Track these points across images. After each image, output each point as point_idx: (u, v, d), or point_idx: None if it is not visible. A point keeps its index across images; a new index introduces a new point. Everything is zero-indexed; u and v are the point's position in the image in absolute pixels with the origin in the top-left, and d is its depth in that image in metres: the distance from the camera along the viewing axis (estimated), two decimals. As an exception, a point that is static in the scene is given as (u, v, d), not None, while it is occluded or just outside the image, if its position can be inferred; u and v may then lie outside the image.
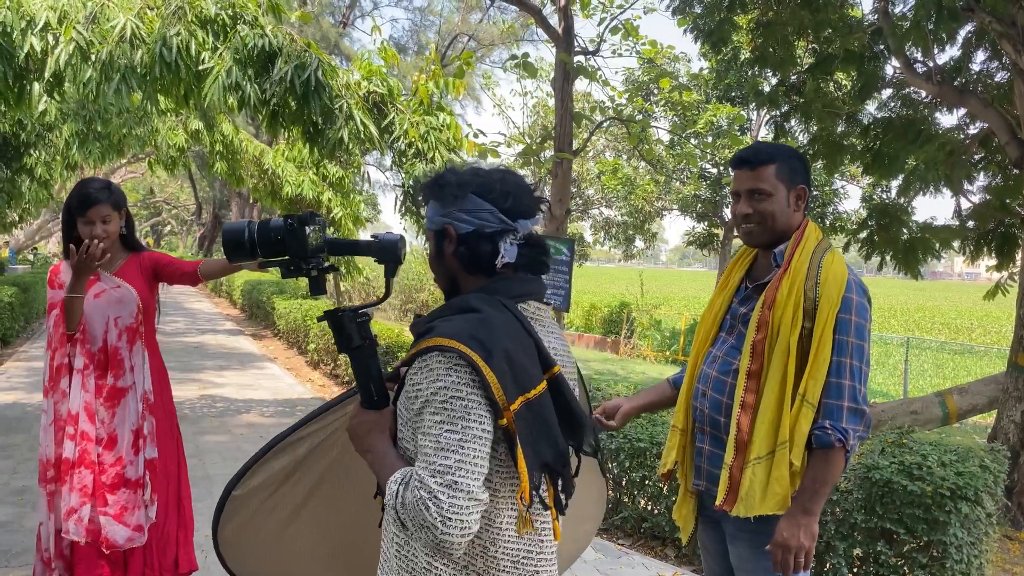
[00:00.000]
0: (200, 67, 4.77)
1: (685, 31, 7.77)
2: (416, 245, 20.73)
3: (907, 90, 7.54)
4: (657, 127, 16.75)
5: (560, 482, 1.53)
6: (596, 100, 18.80)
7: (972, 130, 7.43)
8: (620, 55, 12.91)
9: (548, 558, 1.58)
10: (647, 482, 4.61)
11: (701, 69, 17.23)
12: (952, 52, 7.29)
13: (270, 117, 5.35)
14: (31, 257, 30.92)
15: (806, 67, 8.06)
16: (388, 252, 1.67)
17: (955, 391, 6.59)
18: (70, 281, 2.96)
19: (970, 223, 7.38)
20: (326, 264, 1.68)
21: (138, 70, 4.69)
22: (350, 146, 5.39)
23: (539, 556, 1.55)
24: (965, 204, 7.53)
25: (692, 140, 17.08)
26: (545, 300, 1.68)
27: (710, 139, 16.95)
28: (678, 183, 19.46)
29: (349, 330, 1.60)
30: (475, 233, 1.55)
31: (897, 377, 15.62)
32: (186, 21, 4.73)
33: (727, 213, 17.32)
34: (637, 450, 4.61)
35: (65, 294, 2.99)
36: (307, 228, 1.62)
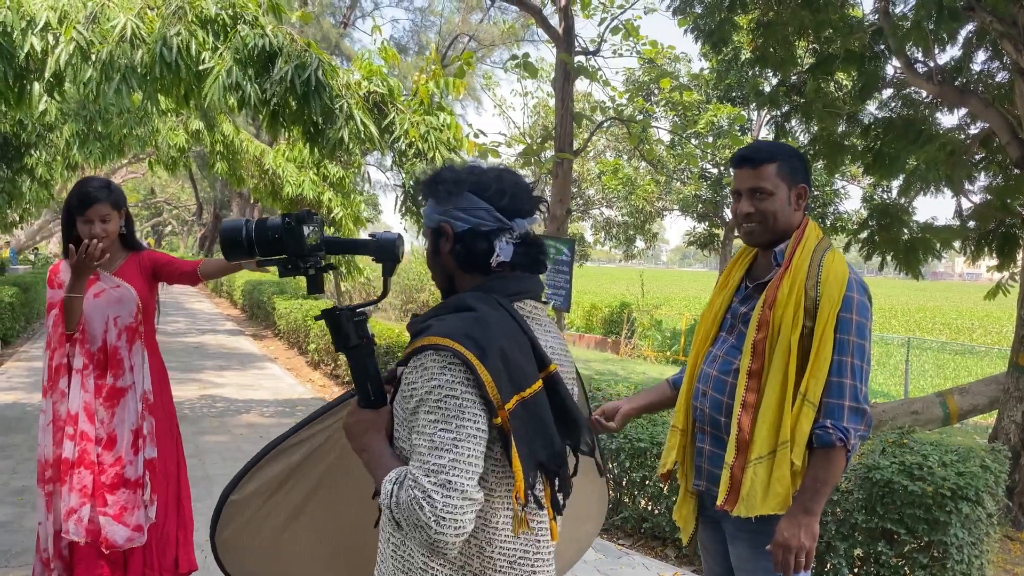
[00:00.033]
0: (200, 67, 4.76)
1: (686, 31, 7.76)
2: (416, 245, 20.75)
3: (908, 90, 7.54)
4: (658, 127, 16.76)
5: (557, 482, 1.53)
6: (597, 100, 18.81)
7: (973, 130, 7.42)
8: (621, 55, 12.93)
9: (545, 558, 1.57)
10: (647, 482, 4.61)
11: (702, 69, 17.22)
12: (953, 52, 7.29)
13: (270, 117, 5.35)
14: (32, 257, 30.93)
15: (807, 67, 8.06)
16: (386, 251, 1.66)
17: (956, 391, 6.58)
18: (69, 281, 2.96)
19: (971, 223, 7.38)
20: (324, 263, 1.68)
21: (138, 70, 4.68)
22: (350, 146, 5.39)
23: (536, 556, 1.55)
24: (966, 204, 7.53)
25: (693, 140, 17.07)
26: (543, 299, 1.67)
27: (711, 139, 16.93)
28: (679, 183, 19.45)
29: (346, 329, 1.59)
30: (471, 231, 1.55)
31: (898, 377, 15.61)
32: (186, 21, 4.73)
33: (728, 213, 17.31)
34: (637, 450, 4.61)
35: (64, 294, 2.99)
36: (305, 227, 1.62)
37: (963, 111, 7.24)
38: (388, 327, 9.19)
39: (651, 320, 19.43)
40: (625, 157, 21.29)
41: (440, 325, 1.45)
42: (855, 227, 9.80)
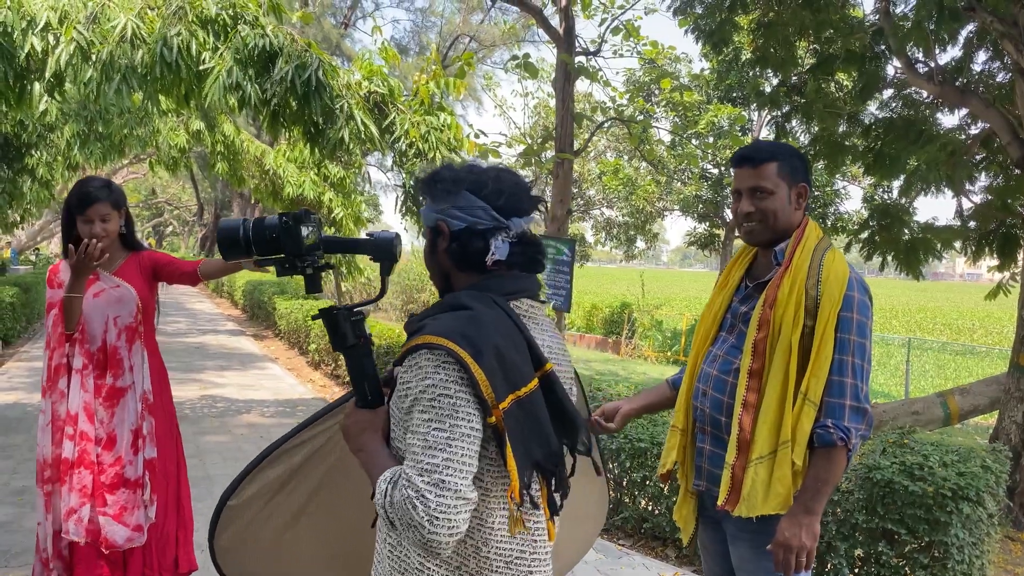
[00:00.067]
0: (201, 67, 4.76)
1: (686, 32, 7.76)
2: (417, 245, 20.74)
3: (908, 90, 7.53)
4: (658, 127, 16.77)
5: (553, 482, 1.52)
6: (597, 101, 18.83)
7: (973, 130, 7.42)
8: (621, 56, 12.93)
9: (542, 558, 1.57)
10: (648, 482, 4.60)
11: (702, 70, 17.23)
12: (953, 52, 7.31)
13: (271, 117, 5.34)
14: (33, 258, 30.91)
15: (807, 67, 8.06)
16: (383, 250, 1.66)
17: (957, 392, 6.57)
18: (69, 281, 2.96)
19: (972, 223, 7.37)
20: (322, 262, 1.68)
21: (139, 70, 4.68)
22: (351, 146, 5.39)
23: (532, 556, 1.54)
24: (967, 204, 7.53)
25: (693, 141, 17.07)
26: (542, 299, 1.67)
27: (711, 140, 16.94)
28: (679, 184, 19.45)
29: (343, 329, 1.59)
30: (467, 230, 1.55)
31: (898, 378, 15.60)
32: (187, 21, 4.72)
33: (728, 214, 17.31)
34: (638, 450, 4.61)
35: (64, 294, 2.99)
36: (302, 226, 1.62)
37: (964, 111, 7.24)
38: (389, 327, 9.19)
39: (652, 320, 19.43)
40: (626, 157, 21.30)
41: (435, 324, 1.44)
42: (856, 227, 9.80)
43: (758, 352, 2.10)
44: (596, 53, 9.40)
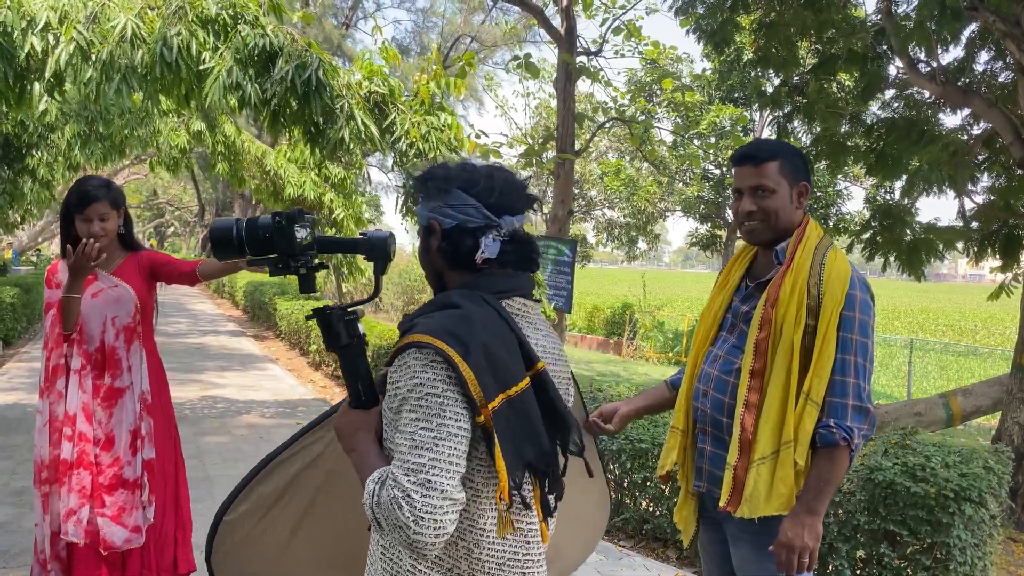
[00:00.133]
0: (201, 67, 4.75)
1: (688, 32, 7.76)
2: (417, 246, 20.74)
3: (910, 90, 7.52)
4: (660, 128, 16.77)
5: (547, 483, 1.50)
6: (599, 101, 18.82)
7: (976, 130, 7.40)
8: (622, 56, 12.93)
9: (535, 559, 1.55)
10: (649, 483, 4.59)
11: (704, 70, 17.22)
12: (956, 52, 7.27)
13: (271, 117, 5.33)
14: (35, 259, 30.92)
15: (809, 68, 8.04)
16: (377, 249, 1.65)
17: (959, 393, 6.56)
18: (67, 281, 2.95)
19: (974, 224, 7.36)
20: (315, 262, 1.67)
21: (139, 70, 4.67)
22: (351, 146, 5.37)
23: (526, 558, 1.53)
24: (969, 205, 7.50)
25: (695, 141, 17.06)
26: (537, 298, 1.65)
27: (713, 140, 16.93)
28: (681, 184, 19.45)
29: (337, 328, 1.58)
30: (458, 228, 1.54)
31: (901, 379, 15.59)
32: (187, 21, 4.72)
33: (730, 214, 17.29)
34: (639, 451, 4.59)
35: (62, 294, 2.98)
36: (295, 226, 1.61)
37: (966, 111, 7.22)
38: (390, 328, 9.18)
39: (653, 321, 19.44)
40: (627, 158, 21.30)
41: (425, 323, 1.43)
42: (858, 228, 9.78)
43: (760, 352, 2.08)
44: (597, 53, 9.40)
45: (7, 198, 9.44)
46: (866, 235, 7.93)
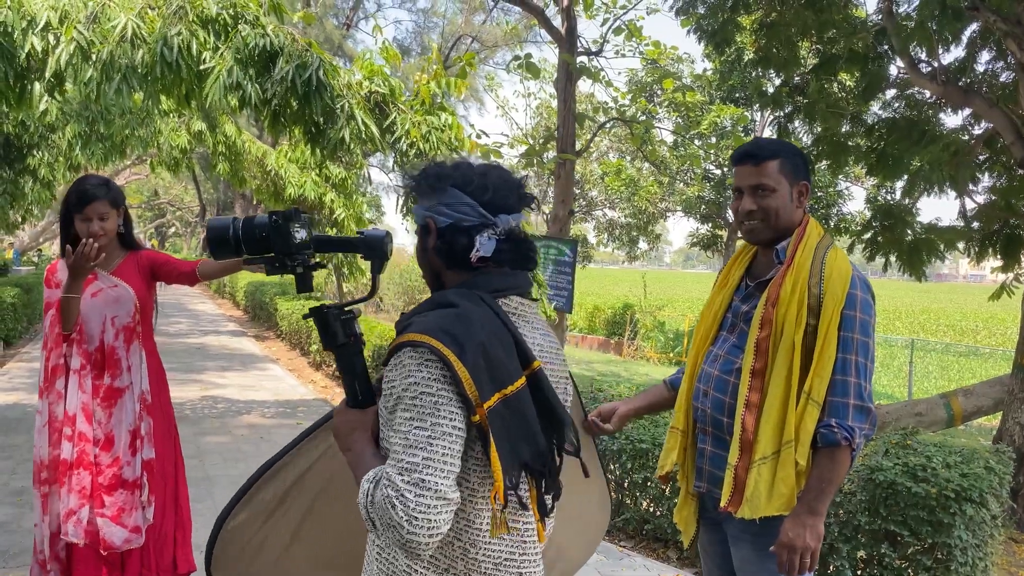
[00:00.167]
0: (201, 67, 4.75)
1: (688, 32, 7.75)
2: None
3: (911, 90, 7.51)
4: (661, 128, 16.74)
5: (544, 483, 1.50)
6: (599, 101, 18.82)
7: (977, 130, 7.39)
8: (623, 56, 12.92)
9: (532, 559, 1.54)
10: (649, 484, 4.58)
11: (705, 70, 17.22)
12: (957, 52, 7.27)
13: (272, 117, 5.33)
14: (36, 259, 30.91)
15: (810, 68, 8.03)
16: (374, 248, 1.65)
17: (960, 393, 6.55)
18: (66, 281, 2.94)
19: (975, 224, 7.35)
20: (312, 261, 1.66)
21: (139, 70, 4.67)
22: (351, 146, 5.37)
23: (522, 558, 1.52)
24: (970, 205, 7.50)
25: (696, 141, 17.05)
26: (534, 297, 1.65)
27: (714, 140, 16.92)
28: (682, 184, 19.44)
29: (334, 327, 1.58)
30: (452, 226, 1.53)
31: (902, 379, 15.58)
32: (187, 21, 4.71)
33: (731, 214, 17.28)
34: (639, 451, 4.59)
35: (61, 294, 2.97)
36: (292, 225, 1.60)
37: (967, 111, 7.22)
38: (390, 328, 9.18)
39: (654, 322, 19.44)
40: (628, 158, 21.29)
41: (420, 322, 1.42)
42: (859, 228, 9.77)
43: (760, 351, 2.08)
44: (598, 53, 9.39)
45: (8, 198, 9.46)
46: (867, 235, 7.92)
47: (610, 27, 9.89)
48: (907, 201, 7.93)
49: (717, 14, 7.36)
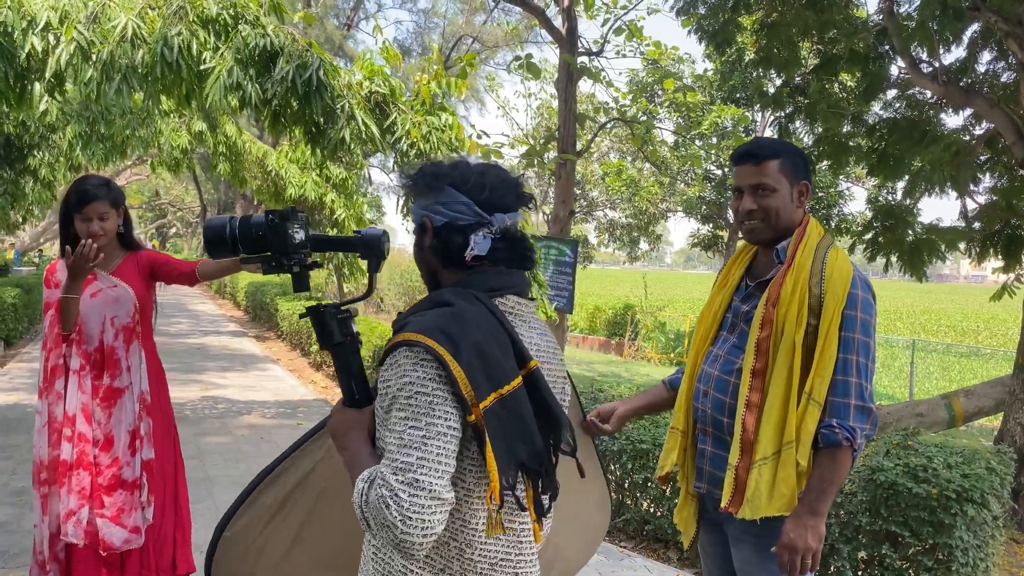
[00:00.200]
0: (202, 67, 4.75)
1: (689, 32, 7.75)
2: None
3: (912, 91, 7.51)
4: (661, 128, 16.74)
5: (540, 483, 1.49)
6: (600, 101, 18.81)
7: (978, 131, 7.39)
8: (624, 56, 12.91)
9: (528, 559, 1.54)
10: (649, 484, 4.58)
11: (705, 70, 17.22)
12: (958, 52, 7.29)
13: (272, 117, 5.33)
14: (36, 260, 30.92)
15: (811, 68, 8.03)
16: (371, 247, 1.65)
17: (961, 393, 6.54)
18: (65, 281, 2.94)
19: (976, 224, 7.34)
20: (310, 260, 1.66)
21: (139, 70, 4.67)
22: (352, 146, 5.37)
23: (518, 558, 1.52)
24: (971, 205, 7.49)
25: (697, 141, 17.05)
26: (532, 296, 1.64)
27: (715, 140, 16.92)
28: (683, 185, 19.44)
29: (330, 326, 1.58)
30: (448, 225, 1.53)
31: (903, 379, 15.57)
32: (187, 21, 4.71)
33: (732, 214, 17.27)
34: (640, 452, 4.58)
35: (60, 294, 2.97)
36: (289, 224, 1.60)
37: (968, 111, 7.21)
38: (391, 329, 9.17)
39: (655, 322, 19.44)
40: (629, 159, 21.28)
41: (416, 321, 1.42)
42: (859, 229, 9.77)
43: (761, 351, 2.07)
44: (599, 54, 9.38)
45: (9, 198, 9.46)
46: (868, 236, 7.92)
47: (611, 27, 9.89)
48: (908, 201, 7.92)
49: (718, 14, 7.36)
